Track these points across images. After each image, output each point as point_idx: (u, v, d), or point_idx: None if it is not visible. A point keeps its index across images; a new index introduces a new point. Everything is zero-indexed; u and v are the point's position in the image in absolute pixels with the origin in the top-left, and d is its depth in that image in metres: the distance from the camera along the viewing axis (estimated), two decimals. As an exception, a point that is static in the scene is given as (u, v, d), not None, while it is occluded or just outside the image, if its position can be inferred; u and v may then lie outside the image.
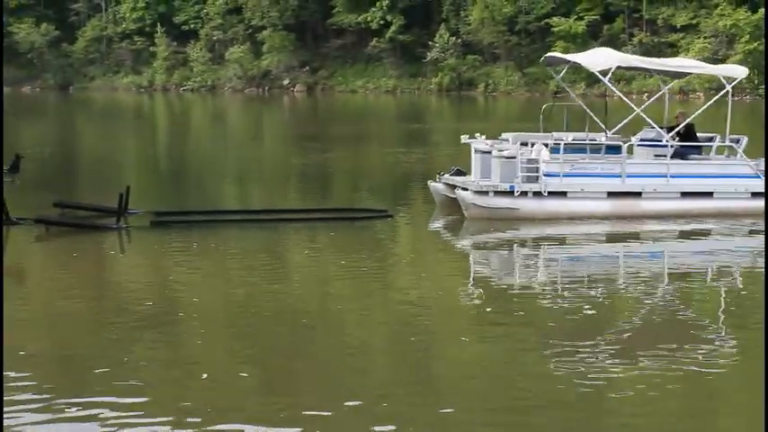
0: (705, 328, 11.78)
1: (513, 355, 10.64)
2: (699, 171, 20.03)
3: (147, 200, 21.06)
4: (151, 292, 13.84)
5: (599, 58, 21.44)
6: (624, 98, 21.44)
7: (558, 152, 19.50)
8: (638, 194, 19.59)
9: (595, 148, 20.52)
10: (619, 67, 21.34)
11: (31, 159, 21.44)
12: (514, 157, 19.20)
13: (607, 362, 10.21)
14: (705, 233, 18.70)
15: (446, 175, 20.37)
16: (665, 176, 19.71)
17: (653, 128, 20.79)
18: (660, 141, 20.29)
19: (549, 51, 75.16)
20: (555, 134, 20.80)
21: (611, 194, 19.50)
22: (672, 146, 20.10)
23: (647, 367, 10.06)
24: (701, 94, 69.43)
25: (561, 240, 17.99)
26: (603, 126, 21.60)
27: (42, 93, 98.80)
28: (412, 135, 42.72)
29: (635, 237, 18.45)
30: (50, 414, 8.78)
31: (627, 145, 20.07)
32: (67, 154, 37.67)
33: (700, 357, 10.37)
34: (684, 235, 18.53)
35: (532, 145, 19.72)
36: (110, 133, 48.64)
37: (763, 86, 64.49)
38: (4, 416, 8.69)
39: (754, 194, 19.85)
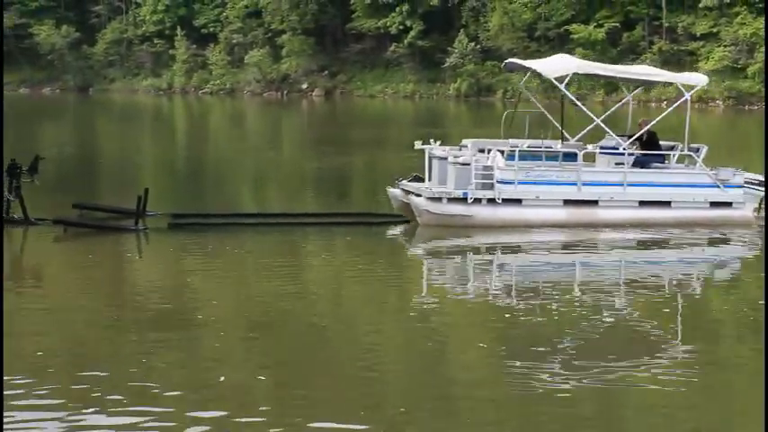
0: (661, 338, 11.67)
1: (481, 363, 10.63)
2: (656, 180, 19.73)
3: (166, 202, 21.12)
4: (169, 294, 13.90)
5: (556, 65, 21.07)
6: (582, 107, 21.19)
7: (514, 159, 19.24)
8: (594, 203, 19.31)
9: (551, 156, 20.18)
10: (576, 74, 21.04)
11: (50, 160, 21.51)
12: (469, 164, 18.97)
13: (559, 372, 10.08)
14: (663, 242, 18.41)
15: (404, 181, 20.09)
16: (622, 185, 19.40)
17: (620, 136, 20.54)
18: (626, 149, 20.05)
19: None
20: (511, 141, 20.53)
21: (567, 202, 19.23)
22: (629, 153, 19.84)
23: (601, 378, 9.93)
24: (720, 102, 69.22)
25: (515, 249, 17.78)
26: (566, 134, 21.22)
27: (62, 94, 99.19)
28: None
29: (591, 246, 18.14)
30: (66, 414, 8.82)
31: (583, 152, 19.76)
32: (86, 155, 37.82)
33: (655, 368, 10.29)
34: (642, 244, 18.22)
35: (489, 152, 19.55)
36: (129, 135, 48.81)
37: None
38: (20, 417, 8.73)
39: (713, 204, 19.61)
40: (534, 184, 19.14)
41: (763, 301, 12.81)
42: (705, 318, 12.83)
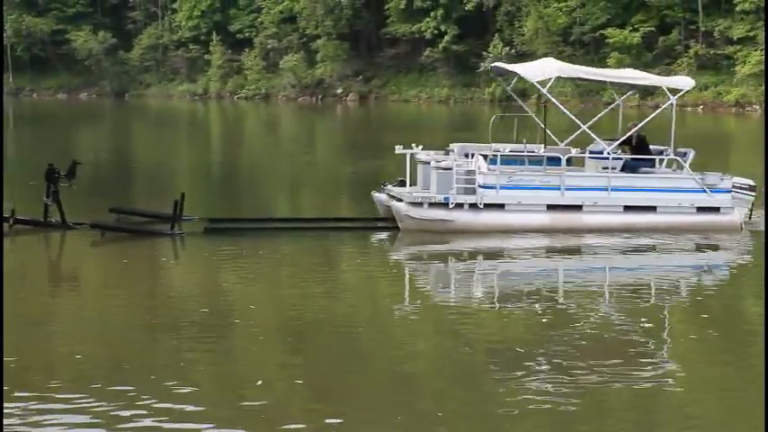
0: (645, 344, 11.53)
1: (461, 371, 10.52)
2: (642, 185, 19.45)
3: (201, 206, 21.24)
4: (205, 298, 13.96)
5: (538, 69, 20.86)
6: (567, 111, 20.88)
7: (496, 164, 19.04)
8: (578, 208, 19.08)
9: (534, 160, 19.95)
10: (559, 78, 20.77)
11: (87, 165, 21.70)
12: (451, 169, 18.81)
13: (546, 378, 10.00)
14: (648, 248, 18.12)
15: (389, 186, 19.94)
16: (606, 189, 19.18)
17: (605, 140, 20.34)
18: (612, 154, 19.83)
19: (606, 62, 74.98)
20: (493, 145, 20.35)
21: (551, 207, 19.02)
22: (614, 158, 19.65)
23: (587, 383, 9.87)
24: (758, 107, 68.65)
25: (497, 254, 17.59)
26: (555, 138, 20.98)
27: (99, 99, 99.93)
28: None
29: (575, 251, 17.88)
30: (104, 418, 8.88)
31: (567, 157, 19.52)
32: (123, 160, 38.07)
33: (641, 373, 10.19)
34: (627, 250, 17.92)
35: (473, 156, 19.37)
36: (164, 140, 49.10)
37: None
38: (54, 416, 8.81)
39: (700, 209, 19.38)
40: (517, 188, 18.93)
41: (761, 307, 12.69)
42: (690, 324, 12.66)
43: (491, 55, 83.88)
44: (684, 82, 21.55)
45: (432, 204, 18.80)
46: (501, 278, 15.84)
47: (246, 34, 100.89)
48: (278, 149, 44.46)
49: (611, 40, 76.33)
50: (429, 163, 19.36)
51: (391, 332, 12.31)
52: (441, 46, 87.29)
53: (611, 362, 10.57)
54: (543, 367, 10.40)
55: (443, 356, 11.14)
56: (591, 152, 20.43)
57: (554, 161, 19.62)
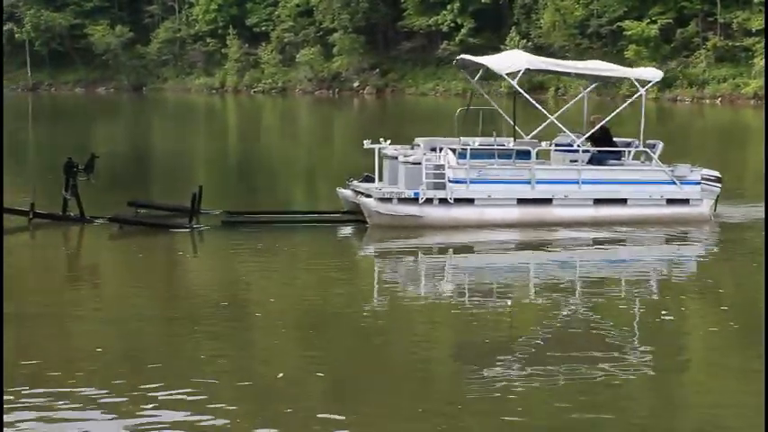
0: (617, 337, 11.42)
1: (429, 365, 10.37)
2: (612, 177, 19.23)
3: (219, 200, 21.24)
4: (223, 291, 13.96)
5: (506, 61, 20.57)
6: (536, 104, 20.52)
7: (466, 158, 18.79)
8: (548, 201, 18.84)
9: (504, 154, 19.63)
10: (528, 70, 20.39)
11: (105, 158, 21.73)
12: (419, 163, 18.52)
13: (517, 373, 9.90)
14: (619, 241, 17.96)
15: (354, 182, 19.69)
16: (577, 183, 18.97)
17: (576, 134, 20.09)
18: (579, 146, 19.63)
19: (623, 55, 74.70)
20: (462, 139, 20.03)
21: (521, 201, 18.77)
22: (583, 150, 19.48)
23: (558, 378, 9.76)
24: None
25: (469, 249, 17.37)
26: (520, 131, 20.58)
27: (116, 93, 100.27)
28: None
29: (546, 245, 17.62)
30: (125, 411, 8.88)
31: (536, 150, 19.29)
32: (141, 153, 38.16)
33: (611, 368, 10.09)
34: (598, 243, 17.72)
35: (441, 150, 19.10)
36: (182, 133, 49.19)
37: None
38: (75, 413, 8.81)
39: (670, 201, 19.24)
40: (487, 182, 18.69)
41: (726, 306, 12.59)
42: (662, 316, 12.55)
43: (508, 48, 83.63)
44: (653, 73, 21.17)
45: (401, 200, 18.47)
46: (471, 273, 15.62)
47: (263, 28, 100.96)
48: (295, 142, 44.47)
49: (628, 33, 75.95)
50: (396, 158, 19.07)
51: (409, 323, 12.27)
52: (457, 39, 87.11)
53: (577, 357, 10.42)
54: (512, 362, 10.27)
55: (457, 345, 11.11)
56: (557, 145, 20.20)
57: (524, 154, 19.31)
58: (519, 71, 20.04)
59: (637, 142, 19.95)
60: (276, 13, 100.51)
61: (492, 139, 20.08)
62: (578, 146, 19.59)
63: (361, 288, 14.55)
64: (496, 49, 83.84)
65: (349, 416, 8.81)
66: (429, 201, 18.46)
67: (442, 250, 17.38)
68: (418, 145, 20.14)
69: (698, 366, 10.80)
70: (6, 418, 8.61)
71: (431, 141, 20.21)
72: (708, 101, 68.75)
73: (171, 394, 9.22)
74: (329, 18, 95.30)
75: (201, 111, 74.08)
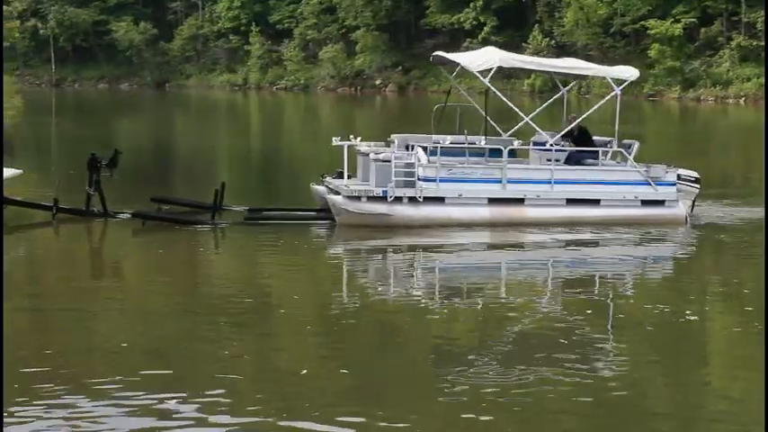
0: (589, 339, 11.36)
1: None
2: (585, 177, 19.02)
3: (241, 196, 21.31)
4: (245, 288, 14.03)
5: (479, 59, 20.38)
6: (508, 102, 20.25)
7: (436, 156, 18.59)
8: (520, 201, 18.64)
9: (475, 152, 19.45)
10: (500, 68, 20.04)
11: (127, 154, 21.85)
12: (389, 161, 18.36)
13: (490, 375, 9.87)
14: (591, 242, 17.83)
15: (328, 178, 19.49)
16: (549, 182, 18.76)
17: (550, 132, 19.98)
18: (554, 145, 19.42)
19: (647, 54, 74.39)
20: (434, 137, 19.88)
21: (492, 201, 18.56)
22: (556, 149, 19.28)
23: (530, 380, 9.73)
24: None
25: (438, 249, 17.12)
26: (498, 129, 20.43)
27: (139, 90, 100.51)
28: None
29: (518, 245, 17.58)
30: (150, 404, 8.94)
31: (508, 149, 19.06)
32: (164, 149, 38.30)
33: (582, 368, 10.08)
34: (570, 244, 17.55)
35: (413, 148, 18.88)
36: (204, 130, 49.30)
37: None
38: (98, 407, 8.87)
39: (645, 202, 19.02)
40: (457, 181, 18.49)
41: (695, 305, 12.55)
42: (634, 317, 12.52)
43: (530, 46, 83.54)
44: (629, 72, 20.89)
45: (370, 198, 18.31)
46: (440, 274, 15.49)
47: (286, 25, 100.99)
48: (317, 139, 44.50)
49: (652, 32, 75.56)
50: (368, 155, 18.91)
51: (431, 320, 12.30)
52: (480, 37, 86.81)
53: (553, 357, 10.40)
54: (489, 364, 10.25)
55: (480, 343, 11.15)
56: (534, 143, 20.03)
57: (497, 153, 19.08)
58: (491, 68, 19.78)
59: (614, 142, 19.69)
60: (299, 10, 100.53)
61: (463, 137, 19.89)
62: (551, 145, 19.39)
63: (383, 284, 14.58)
64: (519, 48, 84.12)
65: (369, 413, 8.85)
66: (398, 199, 18.26)
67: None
68: (393, 142, 19.97)
69: (667, 363, 10.78)
70: (31, 412, 8.68)
71: (406, 138, 20.04)
72: (732, 100, 68.34)
73: (194, 389, 9.28)
74: (352, 15, 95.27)
75: (224, 107, 74.23)
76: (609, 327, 12.15)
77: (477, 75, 19.92)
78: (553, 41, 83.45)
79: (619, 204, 18.98)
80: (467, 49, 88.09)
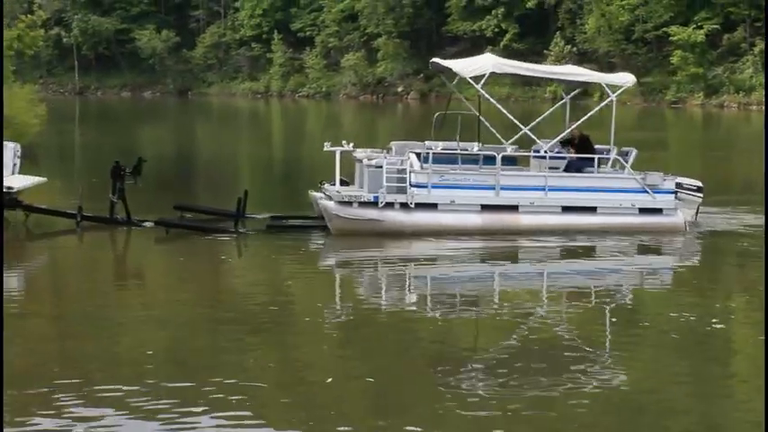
0: (585, 350, 11.24)
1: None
2: (580, 185, 18.80)
3: (264, 204, 21.35)
4: (269, 296, 14.04)
5: (471, 65, 20.16)
6: (502, 109, 20.02)
7: (429, 162, 18.46)
8: (514, 208, 18.49)
9: (468, 159, 19.25)
10: (493, 74, 19.81)
11: (151, 162, 21.92)
12: (381, 167, 18.26)
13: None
14: (589, 251, 17.67)
15: (326, 185, 19.35)
16: (543, 189, 18.58)
17: (546, 140, 19.77)
18: (560, 152, 19.24)
19: (669, 60, 74.12)
20: (426, 143, 19.78)
21: (485, 208, 18.43)
22: (550, 157, 19.08)
23: (523, 393, 9.63)
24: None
25: (430, 258, 16.97)
26: (500, 136, 19.86)
27: (162, 98, 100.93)
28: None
29: (512, 254, 17.43)
30: (175, 415, 8.96)
31: (501, 155, 18.79)
32: (187, 157, 38.43)
33: (579, 381, 9.97)
34: (566, 253, 17.39)
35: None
36: (227, 137, 49.45)
37: None
38: (122, 416, 8.91)
39: (642, 210, 18.77)
40: (449, 188, 18.39)
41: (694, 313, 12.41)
42: (631, 329, 12.43)
43: (552, 53, 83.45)
44: (625, 78, 20.65)
45: (361, 204, 18.27)
46: (432, 284, 15.37)
47: (308, 33, 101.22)
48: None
49: (674, 38, 75.35)
50: (363, 161, 18.85)
51: (459, 330, 12.29)
52: (501, 44, 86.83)
53: (550, 370, 10.32)
54: (516, 376, 10.24)
55: (509, 354, 11.14)
56: (536, 151, 19.77)
57: (491, 160, 18.91)
58: (484, 75, 19.57)
59: (615, 149, 19.42)
60: (321, 18, 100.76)
61: (455, 143, 19.75)
62: (545, 152, 19.22)
63: (407, 292, 14.58)
64: (540, 55, 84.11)
65: (396, 426, 8.85)
66: (390, 205, 18.20)
67: (404, 259, 17.04)
68: (392, 148, 19.90)
69: (664, 374, 10.73)
70: (53, 421, 8.72)
71: (404, 145, 19.98)
72: (755, 107, 67.97)
73: (218, 398, 9.28)
74: (374, 23, 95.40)
75: (246, 115, 74.44)
76: (603, 339, 11.98)
77: (470, 81, 19.72)
78: (575, 48, 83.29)
79: (615, 212, 18.76)
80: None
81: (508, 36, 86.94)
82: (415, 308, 13.52)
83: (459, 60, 21.65)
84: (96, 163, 30.29)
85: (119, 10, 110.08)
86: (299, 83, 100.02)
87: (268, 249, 17.63)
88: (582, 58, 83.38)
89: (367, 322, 12.50)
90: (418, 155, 18.77)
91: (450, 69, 20.76)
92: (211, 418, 8.82)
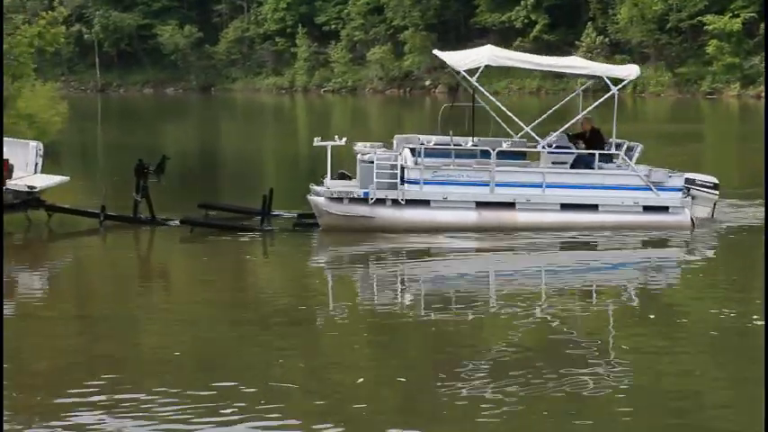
0: (584, 349, 11.20)
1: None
2: (581, 181, 18.43)
3: (290, 202, 21.39)
4: (296, 295, 14.09)
5: (466, 58, 19.85)
6: (496, 102, 19.67)
7: (427, 157, 18.26)
8: (510, 205, 18.23)
9: (462, 154, 18.91)
10: (488, 66, 19.36)
11: (174, 160, 22.02)
12: (372, 162, 18.01)
13: (480, 389, 9.72)
14: (590, 248, 17.48)
15: (327, 179, 19.07)
16: (540, 186, 18.27)
17: (557, 135, 19.27)
18: (569, 148, 18.95)
19: (704, 50, 73.62)
20: (421, 137, 19.54)
21: (480, 204, 18.19)
22: (549, 152, 18.74)
23: (517, 392, 9.58)
24: None
25: (423, 255, 16.80)
26: (509, 129, 19.79)
27: (185, 94, 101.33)
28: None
29: (509, 251, 17.23)
30: (203, 414, 9.01)
31: (497, 150, 18.46)
32: (211, 155, 38.55)
33: (579, 380, 9.93)
34: (565, 250, 17.22)
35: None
36: (251, 134, 49.58)
37: None
38: (146, 415, 8.96)
39: (647, 208, 18.41)
40: (443, 184, 18.14)
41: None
42: (630, 327, 12.39)
43: (583, 44, 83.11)
44: (628, 70, 20.31)
45: (352, 200, 18.12)
46: (426, 283, 15.25)
47: (333, 26, 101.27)
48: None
49: (709, 27, 74.87)
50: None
51: (494, 329, 12.28)
52: (531, 36, 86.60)
53: (547, 369, 10.26)
54: (474, 378, 10.14)
55: (545, 352, 11.12)
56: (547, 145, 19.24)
57: (487, 155, 18.57)
58: (479, 67, 19.23)
59: (626, 144, 19.08)
60: (346, 10, 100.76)
61: (449, 137, 19.45)
62: (543, 147, 18.85)
63: (436, 291, 14.58)
64: (571, 46, 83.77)
65: (427, 429, 8.86)
66: (381, 201, 18.06)
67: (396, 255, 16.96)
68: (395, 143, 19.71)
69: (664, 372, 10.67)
70: (84, 418, 8.78)
71: (406, 139, 19.76)
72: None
73: (250, 400, 9.31)
74: (400, 15, 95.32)
75: (271, 111, 74.60)
76: (601, 339, 11.84)
77: (465, 74, 19.41)
78: (607, 39, 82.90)
79: (618, 210, 18.46)
80: (518, 48, 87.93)
81: (538, 27, 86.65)
82: (441, 305, 13.50)
83: (455, 53, 21.40)
84: (119, 161, 30.46)
85: (140, 5, 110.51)
86: (324, 77, 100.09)
87: (295, 248, 17.66)
88: (614, 49, 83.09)
89: (399, 322, 12.50)
90: (413, 150, 18.59)
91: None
92: (243, 420, 8.84)
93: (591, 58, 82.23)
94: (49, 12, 26.77)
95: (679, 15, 79.55)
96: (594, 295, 14.53)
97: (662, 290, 14.90)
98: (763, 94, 70.75)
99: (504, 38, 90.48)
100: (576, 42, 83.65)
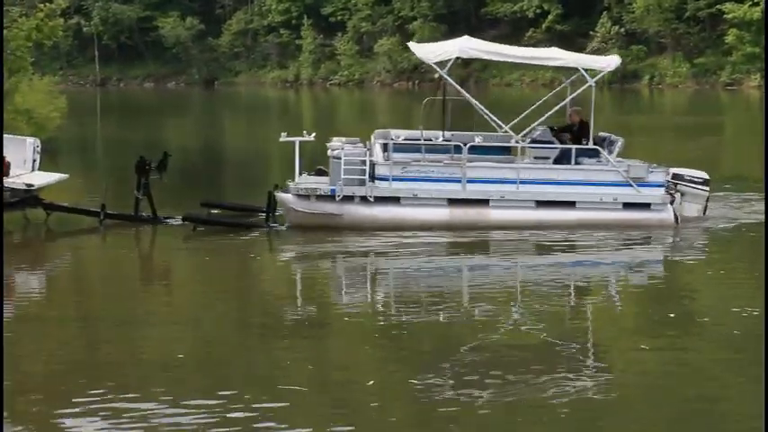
0: (559, 349, 11.20)
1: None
2: (557, 177, 18.23)
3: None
4: (302, 295, 14.12)
5: (437, 50, 19.68)
6: (467, 95, 19.72)
7: (398, 152, 18.16)
8: (484, 202, 18.12)
9: (435, 149, 18.76)
10: (458, 59, 19.30)
11: (176, 156, 22.04)
12: (340, 158, 17.91)
13: (452, 390, 9.71)
14: (568, 246, 17.29)
15: (304, 176, 19.01)
16: (515, 182, 18.15)
17: (540, 130, 19.22)
18: (551, 142, 18.80)
19: (723, 40, 73.46)
20: (392, 131, 19.45)
21: (452, 202, 18.07)
22: (522, 147, 18.72)
23: (494, 395, 9.58)
24: None
25: (389, 253, 16.78)
26: (497, 123, 19.45)
27: (187, 88, 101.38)
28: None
29: (482, 249, 17.23)
30: (210, 416, 9.00)
31: (468, 145, 18.33)
32: (213, 150, 38.59)
33: (555, 380, 9.90)
34: (541, 248, 17.11)
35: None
36: (255, 129, 49.60)
37: None
38: (153, 419, 8.97)
39: (627, 205, 18.20)
40: (413, 180, 18.02)
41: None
42: (606, 326, 12.41)
43: (598, 34, 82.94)
44: (606, 62, 20.09)
45: (319, 197, 18.06)
46: (394, 281, 15.32)
47: (339, 17, 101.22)
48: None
49: (729, 16, 74.68)
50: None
51: (503, 330, 12.28)
52: (544, 26, 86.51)
53: (523, 370, 10.28)
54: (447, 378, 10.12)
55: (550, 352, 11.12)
56: (533, 141, 19.18)
57: (460, 150, 18.43)
58: (449, 60, 19.14)
59: (614, 137, 19.00)
60: (352, 1, 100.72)
61: (419, 132, 19.33)
62: (516, 141, 18.82)
63: (443, 291, 14.58)
64: (586, 36, 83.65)
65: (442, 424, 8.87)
66: (350, 199, 18.00)
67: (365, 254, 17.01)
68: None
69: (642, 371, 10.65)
70: (89, 424, 8.79)
71: (386, 133, 19.67)
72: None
73: (258, 401, 9.31)
74: (408, 6, 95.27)
75: (275, 105, 74.63)
76: (576, 338, 11.78)
77: (435, 66, 19.31)
78: (622, 29, 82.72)
79: (596, 207, 18.27)
80: (530, 38, 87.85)
81: (551, 17, 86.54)
82: (454, 303, 13.50)
83: (425, 45, 21.37)
84: (119, 158, 30.51)
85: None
86: (330, 70, 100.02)
87: (299, 246, 17.66)
88: (630, 40, 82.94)
89: (408, 322, 12.50)
90: (385, 145, 18.48)
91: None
92: (252, 420, 8.85)
93: (606, 49, 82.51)
94: (47, 4, 26.74)
95: (697, 4, 79.33)
96: (583, 294, 14.53)
97: (643, 288, 14.88)
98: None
99: (516, 28, 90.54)
100: (591, 33, 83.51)
